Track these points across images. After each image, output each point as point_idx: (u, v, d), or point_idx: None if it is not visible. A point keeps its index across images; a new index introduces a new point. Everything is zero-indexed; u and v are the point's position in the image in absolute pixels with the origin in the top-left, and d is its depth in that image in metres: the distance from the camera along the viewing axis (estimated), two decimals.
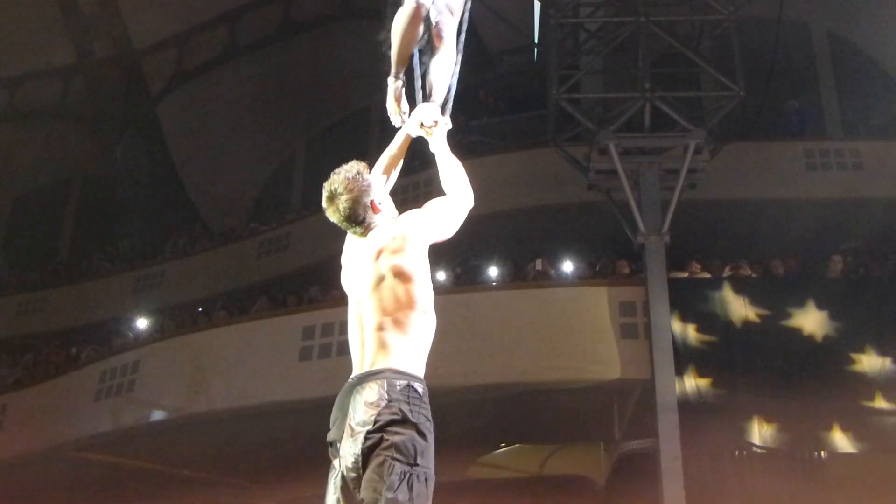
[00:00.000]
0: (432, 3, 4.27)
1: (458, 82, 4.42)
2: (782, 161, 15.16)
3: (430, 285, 3.52)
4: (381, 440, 3.19)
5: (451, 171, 3.83)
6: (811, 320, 11.85)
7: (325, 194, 3.56)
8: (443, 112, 4.18)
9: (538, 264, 14.30)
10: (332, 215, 3.57)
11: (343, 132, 21.99)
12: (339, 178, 3.53)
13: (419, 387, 3.35)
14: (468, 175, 3.86)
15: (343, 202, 3.51)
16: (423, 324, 3.45)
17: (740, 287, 12.24)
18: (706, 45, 14.38)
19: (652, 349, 11.53)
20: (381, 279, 3.41)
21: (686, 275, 13.00)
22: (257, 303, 15.65)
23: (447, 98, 4.25)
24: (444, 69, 4.23)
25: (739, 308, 11.98)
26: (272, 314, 14.24)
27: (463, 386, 11.83)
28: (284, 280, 17.27)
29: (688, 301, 12.08)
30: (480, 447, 15.42)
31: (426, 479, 3.20)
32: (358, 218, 3.54)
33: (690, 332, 11.83)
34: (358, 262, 3.57)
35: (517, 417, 13.72)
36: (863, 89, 17.80)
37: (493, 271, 14.94)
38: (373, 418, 3.23)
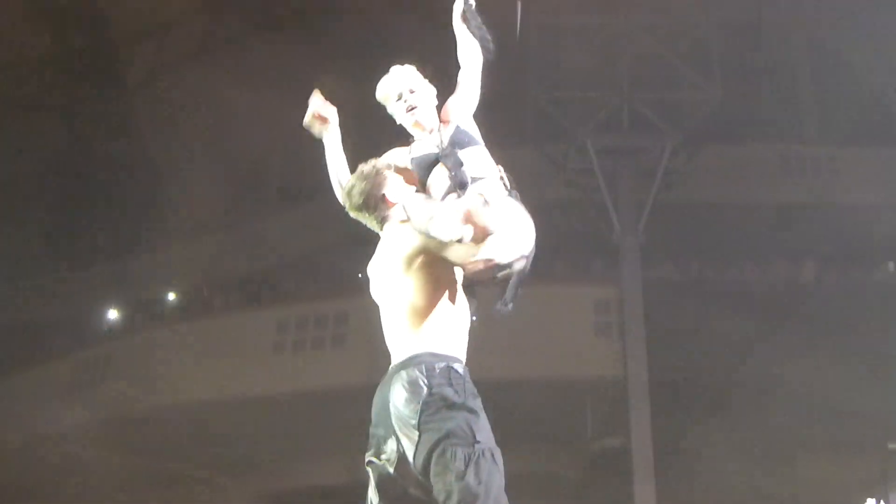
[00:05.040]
0: None
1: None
2: (758, 164, 15.24)
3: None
4: (432, 431, 3.11)
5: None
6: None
7: (345, 190, 3.65)
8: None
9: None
10: (348, 208, 3.65)
11: None
12: (357, 172, 3.63)
13: (459, 367, 3.32)
14: None
15: (355, 193, 3.59)
16: (457, 305, 3.46)
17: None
18: (685, 47, 14.40)
19: (625, 347, 11.59)
20: (411, 261, 3.40)
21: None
22: (232, 296, 15.59)
23: None
24: None
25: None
26: (247, 308, 14.19)
27: None
28: (261, 274, 17.20)
29: None
30: None
31: (492, 454, 3.14)
32: (368, 208, 3.59)
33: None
34: (384, 252, 3.58)
35: (489, 414, 13.71)
36: (841, 96, 17.92)
37: None
38: (416, 411, 3.15)
